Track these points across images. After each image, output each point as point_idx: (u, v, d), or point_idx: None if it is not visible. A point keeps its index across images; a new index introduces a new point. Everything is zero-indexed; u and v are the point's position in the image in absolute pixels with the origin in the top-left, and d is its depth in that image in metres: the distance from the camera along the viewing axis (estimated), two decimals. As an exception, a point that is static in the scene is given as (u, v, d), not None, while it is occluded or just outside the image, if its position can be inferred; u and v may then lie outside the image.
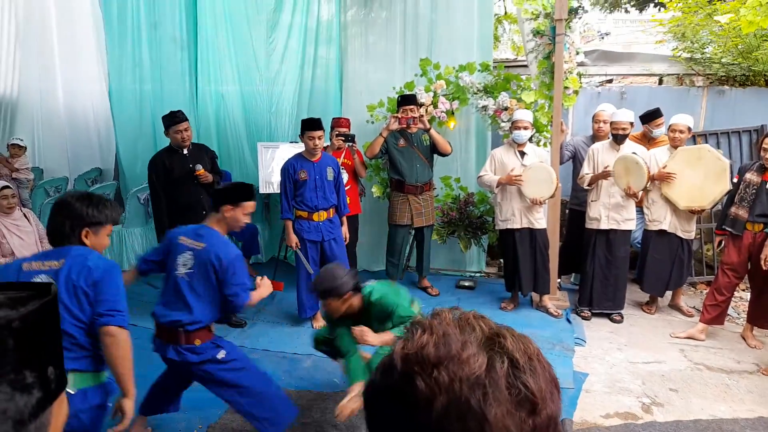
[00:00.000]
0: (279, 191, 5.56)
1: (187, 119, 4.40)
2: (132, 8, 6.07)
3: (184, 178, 4.35)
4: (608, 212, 4.53)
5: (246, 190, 2.84)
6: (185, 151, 4.41)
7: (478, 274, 5.77)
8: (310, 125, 4.28)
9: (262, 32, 5.90)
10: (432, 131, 4.90)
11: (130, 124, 6.43)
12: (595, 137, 4.99)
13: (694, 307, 4.90)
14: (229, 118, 6.01)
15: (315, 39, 5.92)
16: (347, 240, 4.65)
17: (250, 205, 2.83)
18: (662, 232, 4.57)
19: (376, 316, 2.96)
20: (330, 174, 4.47)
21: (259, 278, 2.83)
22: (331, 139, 4.99)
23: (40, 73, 6.71)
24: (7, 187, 4.10)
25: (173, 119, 4.32)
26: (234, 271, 2.64)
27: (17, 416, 0.55)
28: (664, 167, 4.42)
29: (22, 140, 5.40)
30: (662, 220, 4.56)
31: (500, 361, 0.64)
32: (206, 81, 6.05)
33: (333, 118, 5.12)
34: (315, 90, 6.03)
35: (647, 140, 4.94)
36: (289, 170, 4.38)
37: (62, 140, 6.86)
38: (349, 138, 4.91)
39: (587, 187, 4.60)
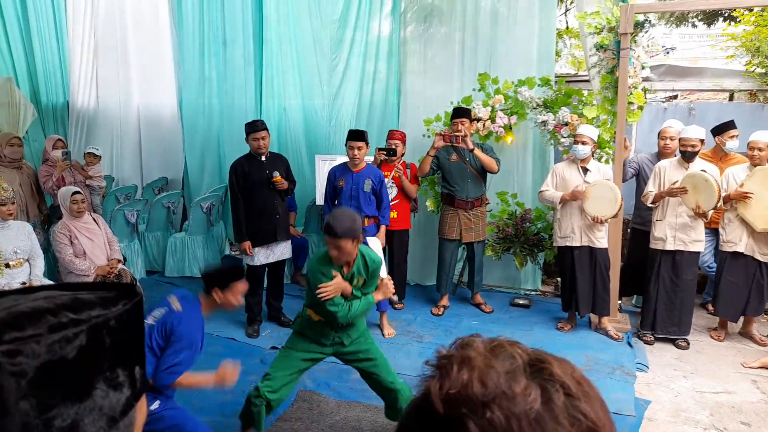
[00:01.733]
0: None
1: (265, 129, 4.60)
2: (205, 27, 6.44)
3: (261, 183, 4.55)
4: (675, 232, 4.34)
5: (234, 272, 2.75)
6: (263, 158, 4.60)
7: (533, 293, 5.64)
8: (351, 136, 4.58)
9: (325, 49, 6.07)
10: (477, 151, 4.81)
11: (198, 136, 6.80)
12: (660, 154, 4.81)
13: (767, 336, 4.60)
14: (291, 131, 6.20)
15: (375, 55, 6.02)
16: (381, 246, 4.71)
17: (242, 286, 2.73)
18: (738, 254, 4.33)
19: (364, 267, 2.95)
20: (367, 185, 4.60)
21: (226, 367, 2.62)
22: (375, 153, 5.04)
23: (117, 87, 7.11)
24: (77, 192, 4.34)
25: (253, 127, 4.56)
26: (179, 347, 2.50)
27: (111, 413, 0.56)
28: (741, 186, 4.19)
29: (97, 149, 5.71)
30: (738, 241, 4.31)
31: (555, 391, 0.58)
32: (270, 96, 6.31)
33: (389, 130, 5.17)
34: (374, 104, 6.11)
35: (718, 158, 4.72)
36: (331, 177, 4.74)
37: (135, 150, 7.22)
38: (390, 152, 4.94)
39: (651, 205, 4.43)
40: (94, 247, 4.33)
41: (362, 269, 2.93)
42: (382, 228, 4.68)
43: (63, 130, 7.32)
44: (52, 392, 0.52)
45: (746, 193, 4.14)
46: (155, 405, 2.52)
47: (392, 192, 5.02)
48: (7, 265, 3.77)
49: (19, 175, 4.93)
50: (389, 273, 5.24)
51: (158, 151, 7.18)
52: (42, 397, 0.51)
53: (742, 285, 4.34)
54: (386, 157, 4.93)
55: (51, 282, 4.11)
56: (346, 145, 4.60)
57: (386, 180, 4.98)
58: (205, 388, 2.64)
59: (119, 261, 4.48)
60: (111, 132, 7.15)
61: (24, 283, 3.81)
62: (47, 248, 4.80)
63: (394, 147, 4.97)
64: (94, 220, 4.50)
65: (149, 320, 2.56)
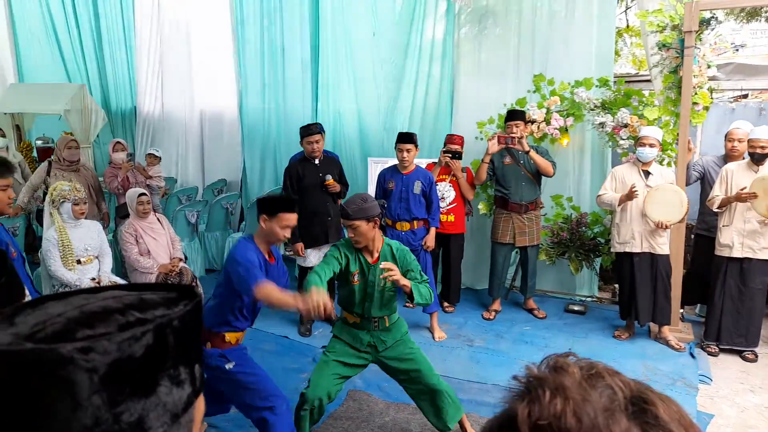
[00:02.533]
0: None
1: (319, 132, 4.67)
2: (265, 33, 6.67)
3: (314, 186, 4.64)
4: (742, 239, 4.12)
5: (285, 203, 2.73)
6: (317, 161, 4.69)
7: (589, 299, 5.48)
8: (400, 138, 4.61)
9: (381, 53, 6.13)
10: (532, 153, 4.73)
11: (256, 140, 7.06)
12: (727, 157, 4.57)
13: None
14: (345, 134, 6.31)
15: (429, 57, 6.03)
16: (430, 248, 4.68)
17: (288, 218, 2.67)
18: None
19: (390, 257, 2.93)
20: (417, 188, 4.60)
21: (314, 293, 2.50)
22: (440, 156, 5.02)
23: (181, 93, 7.44)
24: (143, 194, 4.56)
25: (308, 131, 4.65)
26: (242, 273, 2.55)
27: (173, 409, 0.59)
28: None
29: (157, 151, 6.00)
30: None
31: None
32: (325, 100, 6.48)
33: (447, 135, 5.14)
34: (427, 107, 6.12)
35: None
36: (380, 179, 4.79)
37: (198, 153, 7.53)
38: (456, 156, 4.91)
39: (717, 210, 4.22)
40: (158, 246, 4.53)
41: (389, 257, 2.93)
42: (432, 230, 4.68)
43: (130, 134, 7.74)
44: (121, 388, 0.55)
45: None
46: (230, 365, 2.72)
47: (450, 195, 5.00)
48: (79, 262, 4.00)
49: (76, 176, 5.18)
50: (444, 277, 5.25)
51: (219, 154, 7.45)
52: (112, 392, 0.54)
53: None
54: (450, 159, 4.90)
55: (118, 278, 4.34)
56: (395, 147, 4.63)
57: (444, 183, 4.98)
58: (286, 306, 2.58)
59: (180, 259, 4.67)
60: (175, 135, 7.49)
61: (93, 279, 4.04)
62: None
63: (460, 150, 4.94)
64: (159, 220, 4.71)
65: None
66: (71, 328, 0.55)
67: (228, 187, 7.33)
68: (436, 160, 5.04)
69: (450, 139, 5.02)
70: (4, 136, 6.66)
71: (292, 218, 2.70)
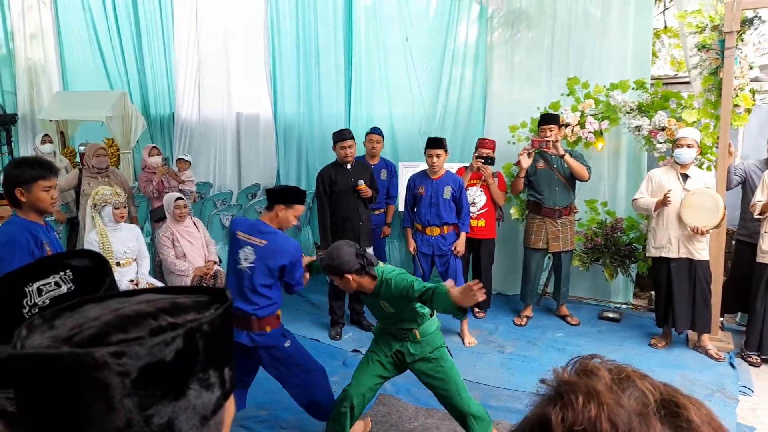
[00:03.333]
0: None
1: (353, 138, 4.73)
2: (300, 38, 6.79)
3: (346, 191, 4.70)
4: (786, 246, 3.97)
5: (299, 194, 3.11)
6: (349, 167, 4.74)
7: (623, 306, 5.36)
8: (430, 143, 4.59)
9: (414, 57, 6.14)
10: (567, 157, 4.67)
11: (291, 144, 7.17)
12: (770, 161, 4.42)
13: None
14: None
15: (462, 61, 6.02)
16: (460, 254, 4.67)
17: (300, 208, 3.11)
18: None
19: (389, 297, 2.78)
20: (447, 192, 4.58)
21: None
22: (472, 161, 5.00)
23: (218, 99, 7.60)
24: (180, 198, 4.68)
25: (341, 136, 4.70)
26: (294, 268, 3.02)
27: (203, 412, 0.60)
28: None
29: (188, 155, 6.14)
30: None
31: None
32: (358, 104, 6.55)
33: (478, 139, 5.12)
34: (460, 111, 6.11)
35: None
36: (410, 185, 4.78)
37: (234, 158, 7.68)
38: (489, 161, 4.87)
39: (759, 216, 4.08)
40: (193, 249, 4.64)
41: (382, 290, 2.80)
42: (462, 236, 4.66)
43: (169, 139, 7.94)
44: (152, 391, 0.56)
45: None
46: (287, 343, 3.08)
47: (481, 200, 4.98)
48: (118, 264, 4.14)
49: (105, 183, 5.30)
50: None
51: (255, 159, 7.59)
52: (143, 395, 0.56)
53: None
54: (483, 164, 4.88)
55: (155, 280, 4.46)
56: (425, 152, 4.63)
57: (475, 188, 4.96)
58: None
59: (215, 262, 4.77)
60: (212, 141, 7.65)
61: (132, 281, 4.17)
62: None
63: (493, 156, 4.92)
64: (195, 224, 4.83)
65: (243, 266, 2.99)
66: (106, 332, 0.57)
67: (262, 191, 7.45)
68: (467, 165, 5.02)
69: (482, 143, 4.98)
70: (51, 142, 6.93)
71: (302, 209, 3.17)
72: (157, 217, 5.15)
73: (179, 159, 6.06)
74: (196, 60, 7.56)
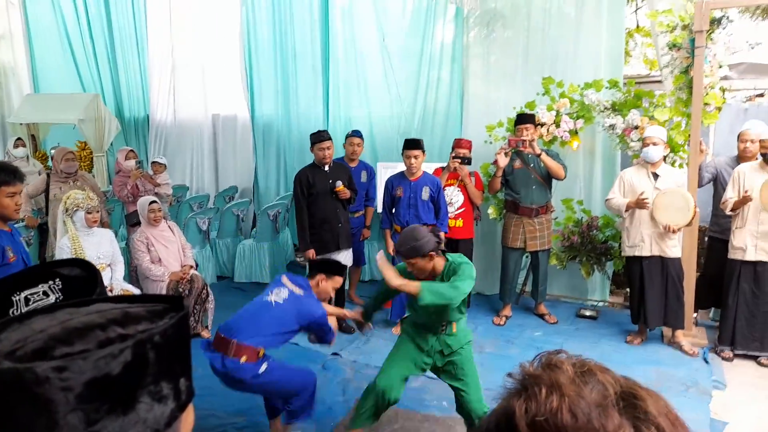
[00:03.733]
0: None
1: (330, 139, 4.73)
2: (277, 40, 6.74)
3: (324, 193, 4.68)
4: (756, 241, 4.05)
5: (341, 268, 3.27)
6: (327, 168, 4.72)
7: (600, 303, 5.42)
8: (407, 145, 4.62)
9: (392, 58, 6.15)
10: (543, 156, 4.71)
11: (268, 146, 7.11)
12: (740, 158, 4.50)
13: None
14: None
15: (439, 61, 6.04)
16: None
17: (339, 280, 3.23)
18: None
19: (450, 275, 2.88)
20: (425, 193, 4.61)
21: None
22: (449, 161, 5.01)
23: (193, 101, 7.51)
24: (154, 201, 4.61)
25: (319, 137, 4.70)
26: (320, 327, 3.04)
27: (155, 425, 0.58)
28: None
29: (162, 158, 6.07)
30: None
31: None
32: (336, 106, 6.52)
33: (455, 139, 5.13)
34: (438, 111, 6.13)
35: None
36: (388, 186, 4.81)
37: (211, 160, 7.60)
38: (466, 161, 4.89)
39: (730, 213, 4.15)
40: (169, 253, 4.58)
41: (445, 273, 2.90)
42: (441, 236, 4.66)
43: (144, 142, 7.82)
44: (98, 406, 0.54)
45: None
46: (263, 368, 2.89)
47: (459, 200, 4.99)
48: (91, 270, 4.06)
49: (72, 188, 5.18)
50: None
51: (232, 161, 7.52)
52: (89, 410, 0.53)
53: None
54: (460, 164, 4.88)
55: (130, 286, 4.38)
56: (402, 154, 4.63)
57: (452, 188, 4.97)
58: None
59: (191, 267, 4.71)
60: (188, 143, 7.56)
61: (106, 287, 4.09)
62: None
63: (469, 156, 4.93)
64: (170, 227, 4.76)
65: (271, 299, 2.99)
66: (51, 346, 0.55)
67: (241, 193, 7.39)
68: (444, 165, 5.03)
69: (458, 143, 5.00)
70: (24, 146, 6.78)
71: (341, 281, 3.29)
72: (133, 221, 5.06)
73: (154, 162, 5.97)
74: (171, 61, 7.47)
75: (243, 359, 2.81)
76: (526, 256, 5.14)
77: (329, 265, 3.27)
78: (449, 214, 4.86)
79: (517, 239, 4.89)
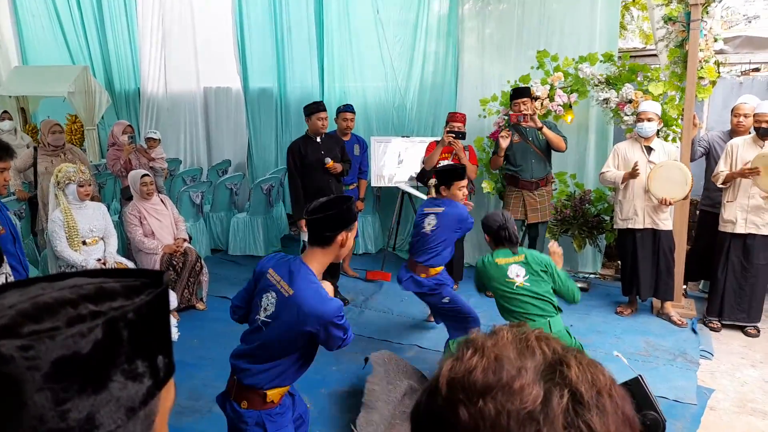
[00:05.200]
0: (390, 184, 5.77)
1: (326, 110, 4.76)
2: (270, 11, 6.62)
3: (316, 164, 4.67)
4: (746, 215, 4.10)
5: (351, 209, 2.19)
6: (318, 139, 4.73)
7: (592, 276, 5.49)
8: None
9: (386, 31, 6.08)
10: (545, 129, 4.73)
11: (262, 119, 7.04)
12: (733, 132, 4.52)
13: None
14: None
15: (436, 34, 5.99)
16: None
17: (356, 225, 2.26)
18: None
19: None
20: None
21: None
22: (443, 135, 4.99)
23: (185, 73, 7.40)
24: (146, 175, 4.58)
25: (317, 107, 4.70)
26: (331, 333, 2.06)
27: (129, 404, 0.56)
28: None
29: (156, 132, 6.00)
30: None
31: (559, 395, 0.56)
32: (331, 79, 6.48)
33: (449, 113, 5.11)
34: (434, 84, 6.10)
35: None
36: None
37: (204, 134, 7.53)
38: (460, 135, 4.88)
39: (721, 186, 4.19)
40: (162, 227, 4.58)
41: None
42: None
43: (135, 115, 7.74)
44: (67, 385, 0.52)
45: None
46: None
47: None
48: (84, 243, 4.06)
49: (60, 161, 5.13)
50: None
51: (225, 134, 7.46)
52: (57, 389, 0.52)
53: None
54: (454, 139, 4.87)
55: (124, 259, 4.38)
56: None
57: (446, 162, 4.96)
58: None
59: (185, 240, 4.71)
60: (180, 116, 7.47)
61: (99, 260, 4.10)
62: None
63: (464, 130, 4.92)
64: (162, 201, 4.75)
65: (260, 316, 2.11)
66: (18, 323, 0.53)
67: (235, 167, 7.35)
68: (438, 139, 5.02)
69: (452, 117, 4.98)
70: (11, 119, 6.69)
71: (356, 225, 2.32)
72: (128, 195, 5.04)
73: (147, 137, 5.91)
74: (161, 33, 7.33)
75: (244, 405, 2.16)
76: (522, 229, 5.17)
77: (343, 213, 2.14)
78: None
79: (517, 211, 4.92)
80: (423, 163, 5.16)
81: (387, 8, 6.09)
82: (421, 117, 6.21)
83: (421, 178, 5.24)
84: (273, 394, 2.16)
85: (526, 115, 4.67)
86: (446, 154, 4.98)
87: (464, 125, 4.96)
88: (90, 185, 4.13)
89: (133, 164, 5.22)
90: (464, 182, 3.72)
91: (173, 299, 4.38)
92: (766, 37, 5.99)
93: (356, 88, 6.42)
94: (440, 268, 3.78)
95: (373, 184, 5.73)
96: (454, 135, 4.84)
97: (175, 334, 4.20)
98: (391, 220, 5.93)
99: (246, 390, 2.14)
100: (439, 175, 3.75)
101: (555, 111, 5.10)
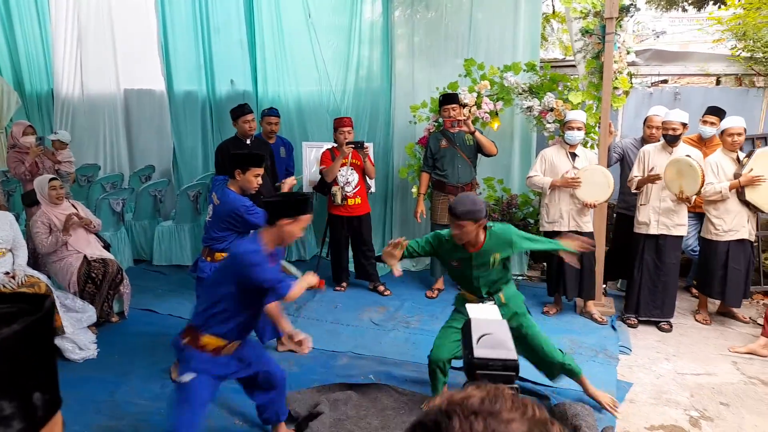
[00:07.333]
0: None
1: (252, 112, 4.73)
2: (196, 11, 6.37)
3: None
4: (658, 217, 4.37)
5: (304, 202, 2.55)
6: (248, 141, 4.68)
7: (519, 277, 5.67)
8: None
9: (318, 35, 6.02)
10: (477, 134, 4.89)
11: (188, 124, 6.75)
12: (645, 141, 4.82)
13: (750, 318, 4.66)
14: (284, 118, 6.12)
15: (369, 40, 6.00)
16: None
17: (306, 219, 2.57)
18: (739, 240, 4.35)
19: (495, 245, 3.02)
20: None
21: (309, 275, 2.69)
22: (339, 144, 5.01)
23: (103, 74, 7.02)
24: (54, 179, 4.31)
25: (243, 110, 4.66)
26: (256, 276, 2.45)
27: None
28: (750, 171, 4.18)
29: (65, 134, 5.70)
30: (740, 228, 4.32)
31: None
32: (264, 83, 6.35)
33: (335, 119, 5.16)
34: (368, 90, 6.11)
35: (703, 143, 4.74)
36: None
37: (123, 138, 7.16)
38: (359, 145, 4.95)
39: (635, 191, 4.45)
40: (76, 233, 4.30)
41: (494, 248, 3.02)
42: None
43: (48, 117, 7.26)
44: None
45: (758, 177, 4.13)
46: (186, 377, 2.48)
47: (355, 179, 5.10)
48: (-10, 255, 3.75)
49: None
50: (357, 256, 5.27)
51: (147, 139, 7.14)
52: None
53: (743, 270, 4.40)
54: (358, 149, 4.97)
55: (35, 271, 4.07)
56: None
57: (346, 168, 5.04)
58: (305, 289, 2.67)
59: (92, 223, 4.45)
60: (99, 119, 7.06)
61: (8, 273, 3.80)
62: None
63: (361, 140, 5.04)
64: (74, 206, 4.47)
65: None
66: None
67: (159, 173, 7.04)
68: (332, 146, 5.14)
69: (340, 122, 5.06)
70: None
71: (309, 218, 2.61)
72: (30, 200, 4.70)
73: (55, 139, 5.56)
74: (76, 31, 6.90)
75: (185, 340, 2.55)
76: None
77: (291, 204, 2.54)
78: (347, 194, 5.05)
79: (444, 216, 5.00)
80: (321, 173, 5.16)
81: (319, 12, 6.04)
82: (356, 122, 6.19)
83: (321, 188, 5.25)
84: (207, 340, 2.51)
85: (460, 120, 4.79)
86: (345, 160, 5.02)
87: (352, 128, 5.06)
88: (-5, 193, 3.83)
89: (39, 168, 4.90)
90: (309, 219, 2.95)
91: (91, 314, 4.12)
92: (674, 51, 6.45)
93: (291, 92, 6.33)
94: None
95: (305, 189, 5.66)
96: (353, 145, 4.92)
97: (93, 351, 3.95)
98: (323, 225, 5.88)
99: (190, 328, 2.56)
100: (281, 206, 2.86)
101: (482, 118, 5.25)
